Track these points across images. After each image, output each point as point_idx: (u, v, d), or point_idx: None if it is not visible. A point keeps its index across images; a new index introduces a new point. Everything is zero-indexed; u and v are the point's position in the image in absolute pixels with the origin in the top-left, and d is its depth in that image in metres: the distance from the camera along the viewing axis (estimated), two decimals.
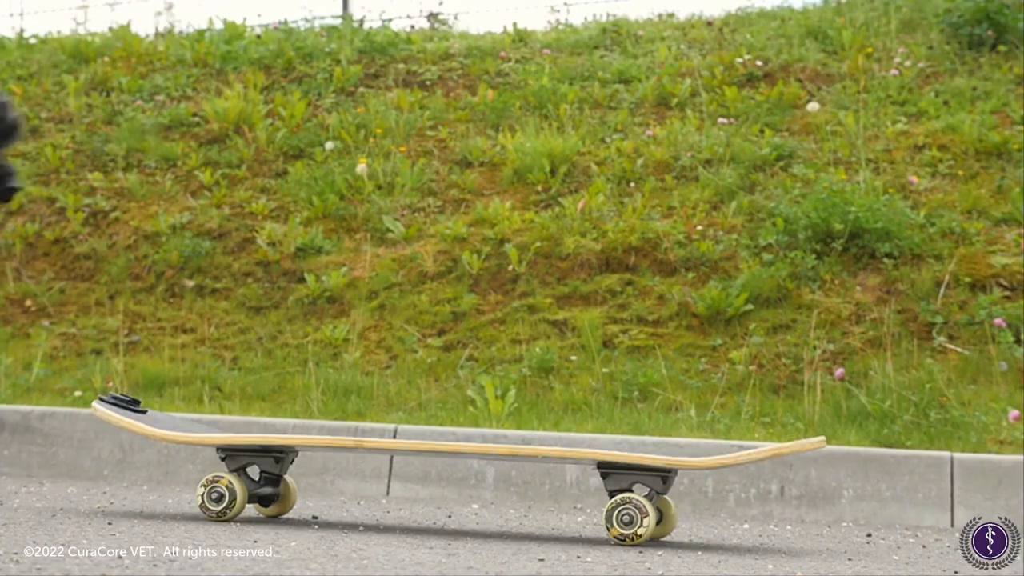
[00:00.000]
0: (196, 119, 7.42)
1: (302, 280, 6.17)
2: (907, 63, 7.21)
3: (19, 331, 6.18)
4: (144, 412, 3.61)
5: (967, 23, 7.36)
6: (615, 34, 8.25)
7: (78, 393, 5.52)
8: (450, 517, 3.89)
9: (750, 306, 5.65)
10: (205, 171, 6.91)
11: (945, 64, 7.22)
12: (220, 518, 3.43)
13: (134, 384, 5.58)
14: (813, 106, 6.95)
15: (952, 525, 4.28)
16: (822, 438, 3.41)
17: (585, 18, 9.05)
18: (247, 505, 3.60)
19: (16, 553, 2.68)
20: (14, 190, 3.55)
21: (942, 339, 5.41)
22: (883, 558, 3.29)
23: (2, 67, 8.22)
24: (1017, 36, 7.26)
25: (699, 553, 3.21)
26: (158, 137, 7.29)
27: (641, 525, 3.26)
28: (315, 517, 3.71)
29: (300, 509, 3.95)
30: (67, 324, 6.17)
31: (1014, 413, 4.75)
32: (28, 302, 6.34)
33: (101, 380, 5.56)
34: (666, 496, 3.42)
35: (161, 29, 9.03)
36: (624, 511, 3.27)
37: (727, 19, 8.40)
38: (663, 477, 3.33)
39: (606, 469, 3.36)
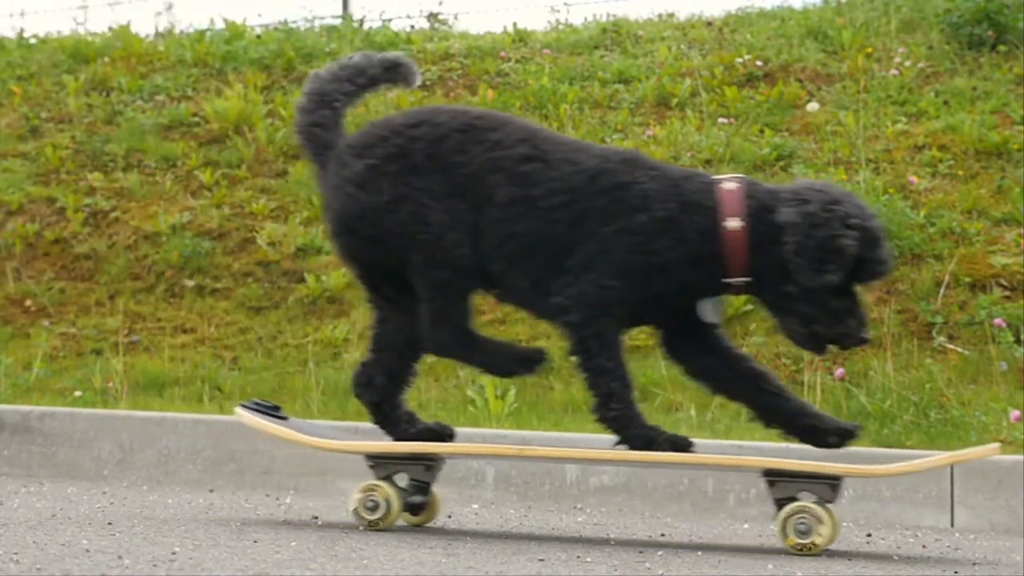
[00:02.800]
0: (196, 119, 7.42)
1: (302, 280, 6.17)
2: (907, 63, 7.20)
3: (19, 331, 6.18)
4: (286, 419, 3.55)
5: (967, 23, 7.35)
6: (615, 34, 8.24)
7: (78, 393, 5.52)
8: (450, 517, 3.89)
9: (750, 306, 5.65)
10: (205, 171, 6.91)
11: (945, 64, 7.21)
12: (375, 527, 3.37)
13: (134, 384, 5.58)
14: (813, 106, 6.95)
15: (952, 525, 4.28)
16: (996, 445, 3.37)
17: (585, 18, 9.05)
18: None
19: (16, 553, 2.68)
20: (863, 341, 3.30)
21: (942, 339, 5.41)
22: (883, 558, 3.29)
23: (2, 67, 8.22)
24: (1017, 36, 7.25)
25: (699, 553, 3.20)
26: (158, 137, 7.29)
27: (818, 534, 3.19)
28: (315, 517, 3.70)
29: (300, 509, 3.95)
30: (67, 324, 6.17)
31: (1015, 413, 4.75)
32: (28, 302, 6.34)
33: (101, 380, 5.56)
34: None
35: (161, 29, 9.03)
36: (801, 520, 3.19)
37: (727, 19, 8.39)
38: (832, 485, 3.25)
39: (773, 477, 3.27)
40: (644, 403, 5.16)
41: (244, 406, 3.53)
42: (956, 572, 3.04)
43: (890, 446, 4.65)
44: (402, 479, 3.45)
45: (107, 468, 4.81)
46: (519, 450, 3.57)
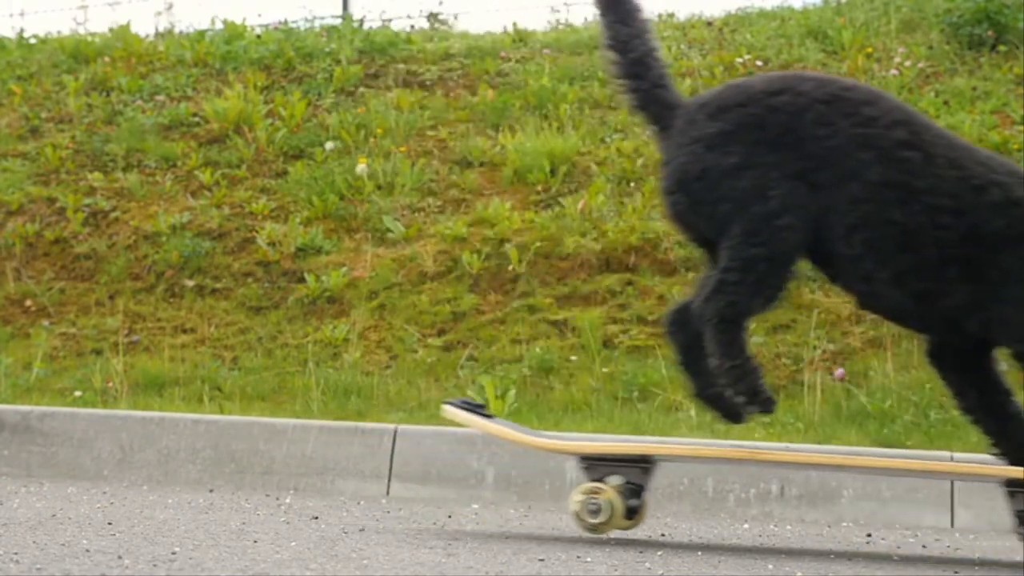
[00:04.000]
0: (196, 119, 7.42)
1: (302, 280, 6.17)
2: (907, 63, 7.21)
3: (19, 331, 6.18)
4: (491, 416, 3.46)
5: (967, 23, 7.35)
6: None
7: (78, 393, 5.52)
8: (450, 517, 3.89)
9: None
10: (205, 171, 6.91)
11: (945, 64, 7.22)
12: (595, 531, 3.27)
13: (134, 384, 5.58)
14: None
15: (952, 525, 4.28)
16: None
17: (585, 18, 9.06)
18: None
19: (16, 553, 2.68)
20: None
21: None
22: (883, 558, 3.29)
23: (2, 67, 8.22)
24: (1017, 36, 7.26)
25: (699, 553, 3.20)
26: (158, 137, 7.29)
27: None
28: (315, 517, 3.71)
29: (300, 509, 3.95)
30: (67, 324, 6.17)
31: None
32: (28, 302, 6.35)
33: (101, 380, 5.56)
34: None
35: (161, 29, 9.03)
36: None
37: (727, 19, 8.40)
38: None
39: (1016, 488, 3.19)
40: (644, 403, 5.17)
41: (450, 403, 3.43)
42: (956, 572, 3.04)
43: (890, 446, 4.65)
44: (615, 480, 3.31)
45: (107, 468, 4.82)
46: (751, 453, 3.37)
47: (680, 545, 3.39)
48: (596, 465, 3.32)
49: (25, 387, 5.60)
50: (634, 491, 3.31)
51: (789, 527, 4.09)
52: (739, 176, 3.09)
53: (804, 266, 5.83)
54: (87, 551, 2.75)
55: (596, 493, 3.27)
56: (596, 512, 3.26)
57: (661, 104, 3.30)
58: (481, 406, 3.47)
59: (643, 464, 3.31)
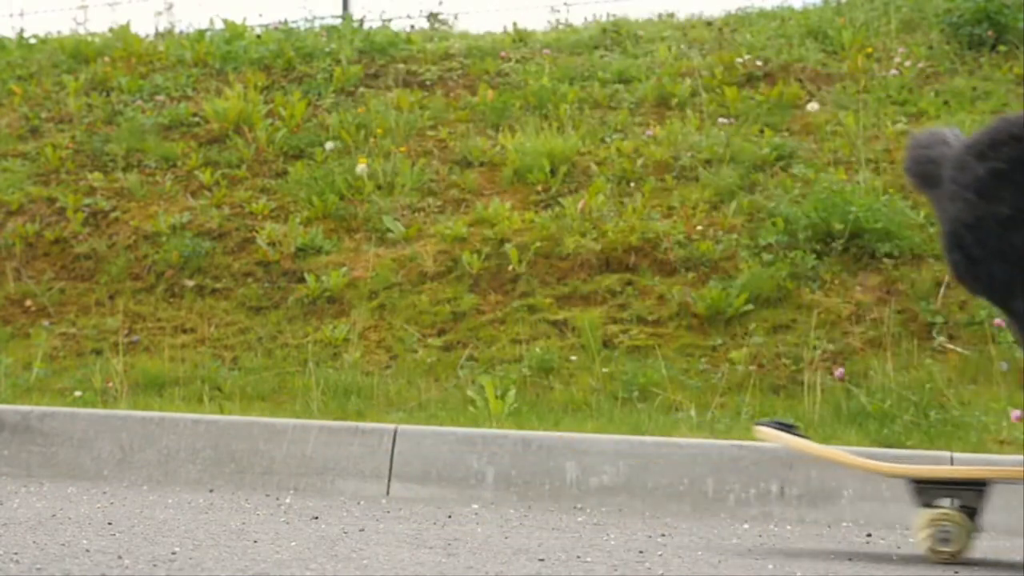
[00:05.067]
0: (196, 119, 7.42)
1: (302, 280, 6.17)
2: (907, 63, 7.20)
3: (19, 331, 6.18)
4: (806, 436, 3.40)
5: (967, 23, 7.35)
6: (615, 34, 8.25)
7: (78, 393, 5.52)
8: (450, 517, 3.89)
9: (750, 306, 5.65)
10: (205, 171, 6.91)
11: (945, 64, 7.21)
12: (948, 561, 3.19)
13: (134, 384, 5.58)
14: (813, 106, 6.95)
15: None
16: None
17: (585, 18, 9.06)
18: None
19: (16, 553, 2.68)
20: None
21: (942, 339, 5.41)
22: (883, 558, 3.29)
23: (2, 67, 8.22)
24: (1017, 36, 7.25)
25: (699, 553, 3.20)
26: (158, 137, 7.29)
27: None
28: (315, 517, 3.70)
29: (300, 509, 3.95)
30: (67, 324, 6.17)
31: (1015, 413, 4.75)
32: (28, 302, 6.34)
33: (101, 380, 5.56)
34: None
35: (161, 29, 9.03)
36: None
37: (727, 19, 8.39)
38: None
39: None
40: (644, 403, 5.17)
41: (762, 423, 3.37)
42: (956, 572, 3.04)
43: (890, 446, 4.65)
44: (948, 503, 3.24)
45: (107, 468, 4.81)
46: None
47: (680, 545, 3.39)
48: (928, 489, 3.26)
49: (25, 387, 5.60)
50: (970, 514, 3.25)
51: (789, 527, 4.09)
52: (1016, 227, 2.72)
53: (806, 268, 5.83)
54: (87, 551, 2.75)
55: (945, 521, 3.21)
56: (947, 540, 3.22)
57: (925, 162, 2.97)
58: (794, 426, 3.40)
59: (977, 488, 3.25)
